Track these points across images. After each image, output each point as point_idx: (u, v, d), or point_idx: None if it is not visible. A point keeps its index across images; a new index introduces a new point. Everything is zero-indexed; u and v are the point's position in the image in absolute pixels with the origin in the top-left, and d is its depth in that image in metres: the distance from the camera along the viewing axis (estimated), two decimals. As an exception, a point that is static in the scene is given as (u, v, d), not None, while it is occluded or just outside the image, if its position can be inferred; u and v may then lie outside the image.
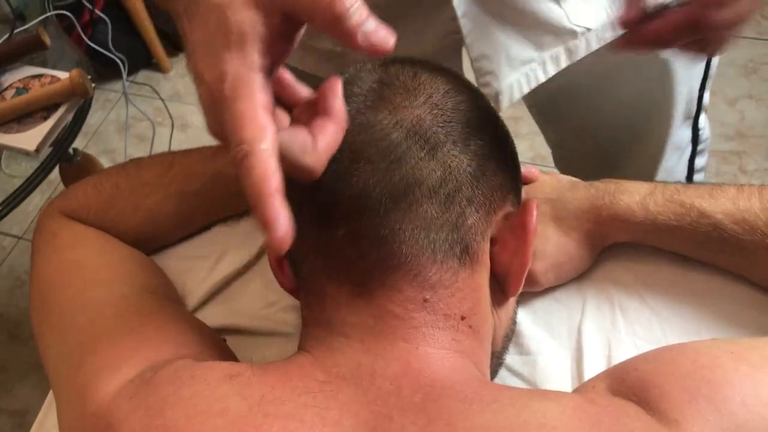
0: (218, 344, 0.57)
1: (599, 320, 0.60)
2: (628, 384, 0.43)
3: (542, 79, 0.65)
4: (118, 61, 1.73)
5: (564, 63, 0.65)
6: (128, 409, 0.43)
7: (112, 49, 1.77)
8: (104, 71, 1.88)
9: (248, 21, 0.37)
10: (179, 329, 0.55)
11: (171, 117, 1.88)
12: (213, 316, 0.63)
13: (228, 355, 0.56)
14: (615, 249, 0.62)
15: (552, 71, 0.65)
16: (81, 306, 0.56)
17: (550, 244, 0.59)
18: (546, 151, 1.70)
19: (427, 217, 0.43)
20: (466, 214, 0.44)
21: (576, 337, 0.60)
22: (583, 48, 0.65)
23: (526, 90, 0.64)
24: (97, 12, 1.83)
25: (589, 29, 0.64)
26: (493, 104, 0.62)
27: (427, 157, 0.43)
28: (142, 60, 2.04)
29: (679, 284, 0.60)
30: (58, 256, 0.62)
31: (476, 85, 0.60)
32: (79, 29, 1.64)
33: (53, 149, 1.12)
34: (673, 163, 0.93)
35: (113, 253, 0.63)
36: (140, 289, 0.59)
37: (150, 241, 0.68)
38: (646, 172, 0.93)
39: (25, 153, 1.07)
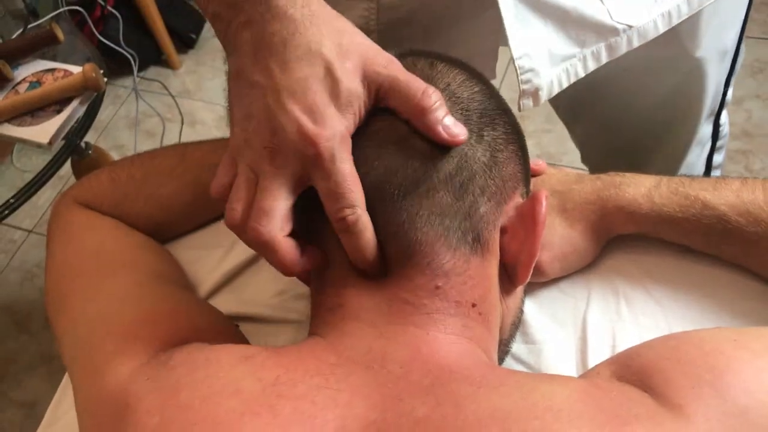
0: (231, 329, 0.58)
1: (604, 310, 0.61)
2: (632, 370, 0.44)
3: (582, 74, 0.66)
4: (129, 56, 1.74)
5: (605, 59, 0.66)
6: (145, 389, 0.44)
7: (123, 44, 1.79)
8: (115, 67, 1.89)
9: (356, 93, 0.42)
10: (193, 314, 0.56)
11: (181, 113, 1.89)
12: (224, 304, 0.64)
13: (241, 340, 0.57)
14: (620, 240, 0.63)
15: (592, 67, 0.66)
16: (97, 292, 0.57)
17: (556, 236, 0.60)
18: (553, 148, 1.73)
19: (443, 204, 0.44)
20: (479, 203, 0.45)
21: (581, 326, 0.60)
22: (624, 45, 0.66)
23: (565, 84, 0.65)
24: (109, 8, 1.84)
25: (630, 26, 0.65)
26: (532, 99, 0.64)
27: (443, 145, 0.44)
28: (153, 56, 2.05)
29: (683, 275, 0.61)
30: (73, 243, 0.63)
31: (518, 81, 0.62)
32: (91, 24, 1.65)
33: (65, 142, 1.13)
34: (694, 159, 0.94)
35: (127, 241, 0.64)
36: (154, 276, 0.60)
37: (163, 230, 0.69)
38: (670, 167, 0.94)
39: (39, 146, 1.08)
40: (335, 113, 0.41)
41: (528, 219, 0.47)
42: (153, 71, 2.07)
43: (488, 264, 0.47)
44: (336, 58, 0.41)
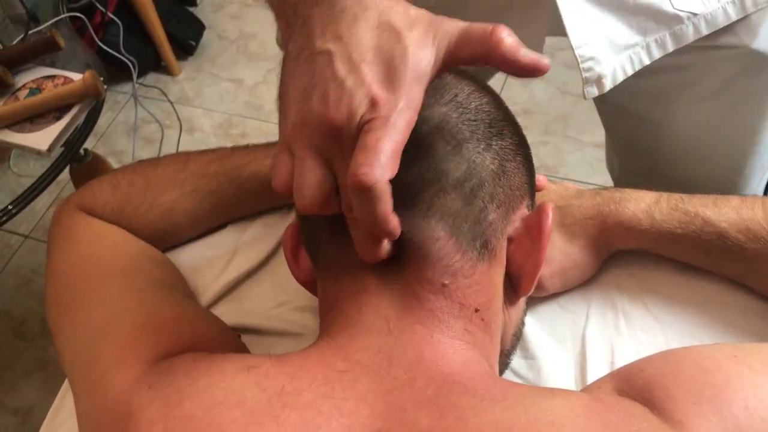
0: (233, 338, 0.58)
1: (603, 326, 0.61)
2: (633, 385, 0.44)
3: (646, 61, 0.65)
4: (129, 63, 1.75)
5: (671, 47, 0.65)
6: (147, 399, 0.44)
7: (123, 51, 1.79)
8: (114, 73, 1.89)
9: (426, 60, 0.39)
10: (194, 322, 0.56)
11: (179, 120, 1.90)
12: (224, 314, 0.64)
13: (243, 349, 0.57)
14: (620, 256, 0.63)
15: (657, 54, 0.65)
16: (98, 299, 0.57)
17: (556, 251, 0.61)
18: (551, 161, 1.74)
19: (454, 207, 0.44)
20: (488, 210, 0.45)
21: (580, 342, 0.61)
22: (690, 33, 0.64)
23: (629, 72, 0.65)
24: (110, 14, 1.85)
25: (695, 14, 0.63)
26: (596, 87, 0.64)
27: (453, 152, 0.45)
28: (152, 63, 2.06)
29: (682, 292, 0.61)
30: (75, 250, 0.63)
31: (580, 69, 0.61)
32: (92, 31, 1.65)
33: (65, 149, 1.13)
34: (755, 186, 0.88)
35: (129, 249, 0.64)
36: (156, 284, 0.60)
37: (165, 239, 0.69)
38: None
39: (38, 153, 1.09)
40: (406, 86, 0.39)
41: (534, 230, 0.48)
42: (152, 77, 2.07)
43: (494, 271, 0.47)
44: (406, 26, 0.39)
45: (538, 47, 0.69)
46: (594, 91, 0.64)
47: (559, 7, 0.59)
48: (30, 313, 1.62)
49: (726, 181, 0.81)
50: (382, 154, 0.37)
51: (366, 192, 0.37)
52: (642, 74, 0.66)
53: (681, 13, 0.63)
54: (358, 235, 0.42)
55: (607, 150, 1.00)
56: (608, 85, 0.65)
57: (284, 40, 0.44)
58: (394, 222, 0.39)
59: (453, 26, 0.41)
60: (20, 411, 1.47)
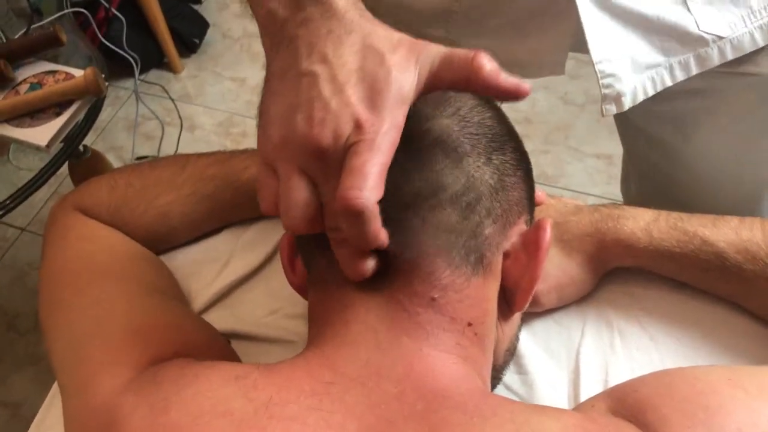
0: (223, 345, 0.58)
1: (598, 343, 0.61)
2: (626, 405, 0.44)
3: (669, 82, 0.64)
4: (131, 59, 1.75)
5: (695, 69, 0.64)
6: (132, 405, 0.43)
7: (126, 47, 1.79)
8: (116, 68, 1.89)
9: (408, 83, 0.41)
10: (185, 329, 0.56)
11: (180, 117, 1.89)
12: (217, 320, 0.63)
13: (232, 357, 0.57)
14: (617, 273, 0.63)
15: (680, 76, 0.64)
16: (89, 301, 0.56)
17: (553, 266, 0.60)
18: (551, 170, 1.73)
19: (449, 222, 0.44)
20: (484, 224, 0.45)
21: (574, 359, 0.60)
22: (716, 56, 0.63)
23: (651, 92, 0.64)
24: (113, 10, 1.85)
25: (721, 37, 0.62)
26: (614, 105, 0.63)
27: (452, 165, 0.44)
28: (154, 59, 2.05)
29: (679, 312, 0.61)
30: (69, 250, 0.63)
31: (599, 86, 0.61)
32: (95, 26, 1.65)
33: (64, 146, 1.13)
34: None
35: (124, 251, 0.64)
36: (148, 288, 0.60)
37: (160, 241, 0.69)
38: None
39: (37, 148, 1.08)
40: (389, 109, 0.40)
41: (531, 246, 0.47)
42: (154, 74, 2.07)
43: (489, 286, 0.47)
44: (389, 50, 0.41)
45: (560, 61, 0.69)
46: (612, 109, 0.63)
47: (582, 21, 0.58)
48: (24, 307, 1.62)
49: (744, 211, 0.81)
50: (370, 176, 0.38)
51: (356, 215, 0.38)
52: (663, 97, 0.66)
53: (706, 36, 0.62)
54: (343, 254, 0.43)
55: (623, 173, 0.99)
56: (628, 103, 0.64)
57: (268, 57, 0.45)
58: (383, 237, 0.40)
59: (436, 50, 0.42)
60: (10, 405, 1.46)
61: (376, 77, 0.40)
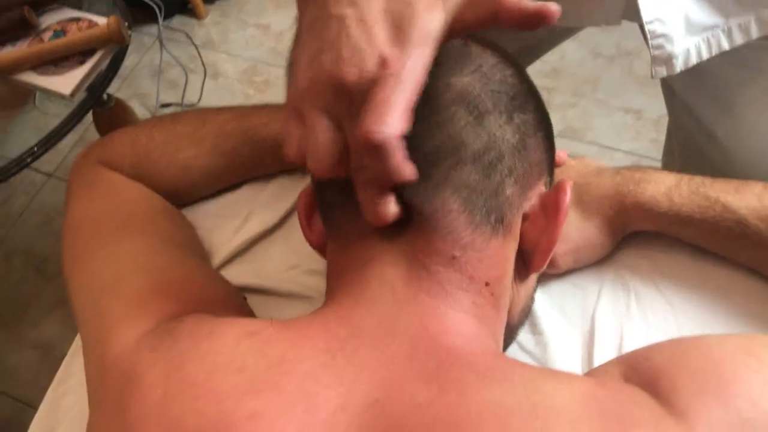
0: (239, 302, 0.59)
1: (614, 307, 0.61)
2: (639, 372, 0.44)
3: (726, 46, 0.62)
4: (155, 6, 1.74)
5: (755, 33, 0.61)
6: (149, 361, 0.44)
7: (149, -7, 1.78)
8: (140, 14, 1.88)
9: (434, 22, 0.40)
10: (203, 284, 0.57)
11: (204, 65, 1.89)
12: (237, 274, 0.65)
13: (248, 314, 0.58)
14: (636, 237, 0.62)
15: (739, 40, 0.61)
16: (110, 253, 0.57)
17: (571, 228, 0.60)
18: (578, 123, 1.71)
19: (470, 180, 0.44)
20: (506, 184, 0.45)
21: (589, 321, 0.61)
22: None
23: (705, 55, 0.62)
24: (137, -45, 1.82)
25: None
26: (666, 68, 0.61)
27: (474, 122, 0.44)
28: (178, 5, 2.04)
29: (696, 277, 0.61)
30: (92, 203, 0.63)
31: (649, 47, 0.59)
32: (118, -28, 1.63)
33: (88, 94, 1.13)
34: None
35: (146, 205, 0.65)
36: (168, 242, 0.61)
37: (181, 195, 0.70)
38: None
39: (61, 97, 1.09)
40: (416, 42, 0.40)
41: (551, 208, 0.47)
42: (178, 20, 2.06)
43: (508, 247, 0.47)
44: None
45: (612, 29, 0.66)
46: (662, 71, 0.61)
47: None
48: (51, 252, 1.65)
49: None
50: (393, 110, 0.38)
51: (378, 148, 0.38)
52: (703, 65, 0.63)
53: None
54: (366, 197, 0.42)
55: (667, 145, 0.96)
56: (679, 66, 0.61)
57: (300, 11, 0.44)
58: (408, 171, 0.40)
59: None
60: (41, 346, 1.51)
61: (402, 15, 0.40)
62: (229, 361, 0.42)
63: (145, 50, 2.01)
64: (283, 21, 2.03)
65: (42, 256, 1.65)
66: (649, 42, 0.59)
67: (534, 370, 0.46)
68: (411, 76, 0.39)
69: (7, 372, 1.48)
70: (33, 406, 1.42)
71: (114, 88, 1.60)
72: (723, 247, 0.59)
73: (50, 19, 1.17)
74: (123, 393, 0.44)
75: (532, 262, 0.49)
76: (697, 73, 0.64)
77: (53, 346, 1.50)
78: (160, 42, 1.84)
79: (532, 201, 0.48)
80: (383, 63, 0.39)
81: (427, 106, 0.43)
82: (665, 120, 0.93)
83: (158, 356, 0.44)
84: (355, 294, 0.45)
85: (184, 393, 0.41)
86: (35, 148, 1.13)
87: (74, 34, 1.13)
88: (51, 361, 1.48)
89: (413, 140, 0.41)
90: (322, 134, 0.41)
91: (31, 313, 1.56)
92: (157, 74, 1.92)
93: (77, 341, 0.68)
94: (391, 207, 0.42)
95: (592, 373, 0.49)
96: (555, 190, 0.47)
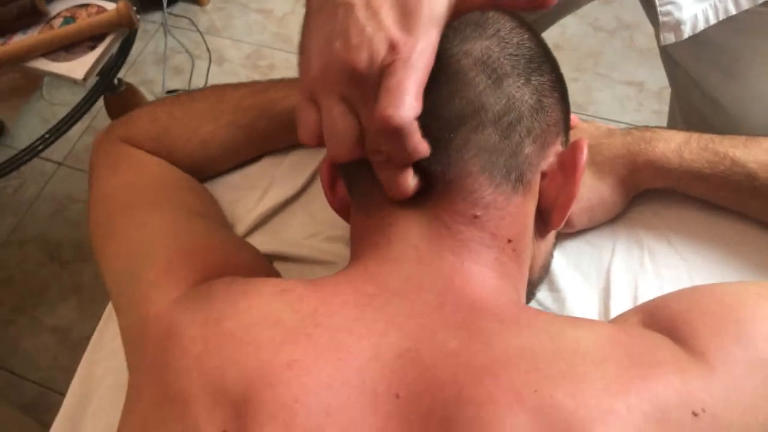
0: (266, 265, 0.60)
1: (628, 263, 0.63)
2: (658, 319, 0.46)
3: (732, 11, 0.62)
4: (159, -8, 1.74)
5: None
6: (187, 319, 0.46)
7: (153, -21, 1.78)
8: (144, 2, 1.89)
9: (440, 5, 0.41)
10: (230, 250, 0.59)
11: (209, 50, 1.89)
12: (259, 244, 0.66)
13: (275, 275, 0.59)
14: (648, 195, 0.64)
15: (746, 4, 0.62)
16: (139, 224, 0.59)
17: (585, 188, 0.62)
18: (580, 98, 1.72)
19: (490, 142, 0.45)
20: (524, 144, 0.46)
21: (605, 277, 0.62)
22: None
23: (712, 21, 0.63)
24: (139, -59, 1.83)
25: None
26: (674, 34, 0.62)
27: (493, 86, 0.46)
28: (180, -9, 2.04)
29: (708, 231, 0.62)
30: (119, 176, 0.65)
31: (658, 14, 0.59)
32: (122, -41, 1.63)
33: (99, 79, 1.15)
34: None
35: (169, 179, 0.67)
36: (193, 213, 0.63)
37: (203, 169, 0.71)
38: None
39: (74, 81, 1.10)
40: (425, 28, 0.41)
41: (568, 166, 0.49)
42: (181, 7, 2.06)
43: (528, 204, 0.48)
44: None
45: (612, 2, 0.66)
46: (671, 38, 0.62)
47: None
48: (64, 239, 1.67)
49: None
50: (406, 94, 0.39)
51: (394, 133, 0.40)
52: (706, 33, 0.63)
53: None
54: (386, 176, 0.44)
55: (670, 114, 0.98)
56: (687, 32, 0.62)
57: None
58: (423, 149, 0.42)
59: None
60: (58, 330, 1.53)
61: (412, 2, 0.41)
62: (264, 315, 0.44)
63: (149, 37, 2.01)
64: (286, 5, 2.03)
65: (55, 243, 1.67)
66: (658, 9, 0.60)
67: (557, 317, 0.47)
68: (421, 59, 0.40)
69: (27, 356, 1.50)
70: (54, 390, 1.45)
71: (121, 75, 1.61)
72: (733, 201, 0.61)
73: (60, 6, 1.18)
74: (163, 350, 0.45)
75: (551, 218, 0.50)
76: (701, 41, 0.65)
77: (70, 330, 1.52)
78: (165, 28, 1.84)
79: (549, 159, 0.49)
80: (393, 47, 0.40)
81: (447, 71, 0.45)
82: (667, 92, 0.94)
83: (195, 315, 0.46)
84: (380, 255, 0.47)
85: (224, 346, 0.43)
86: (47, 135, 1.14)
87: (84, 20, 1.14)
88: (68, 345, 1.51)
89: (432, 105, 0.42)
90: (339, 121, 0.42)
91: (48, 298, 1.58)
92: (162, 61, 1.93)
93: (103, 321, 0.70)
94: (410, 181, 0.44)
95: (611, 321, 0.50)
96: (571, 149, 0.49)
